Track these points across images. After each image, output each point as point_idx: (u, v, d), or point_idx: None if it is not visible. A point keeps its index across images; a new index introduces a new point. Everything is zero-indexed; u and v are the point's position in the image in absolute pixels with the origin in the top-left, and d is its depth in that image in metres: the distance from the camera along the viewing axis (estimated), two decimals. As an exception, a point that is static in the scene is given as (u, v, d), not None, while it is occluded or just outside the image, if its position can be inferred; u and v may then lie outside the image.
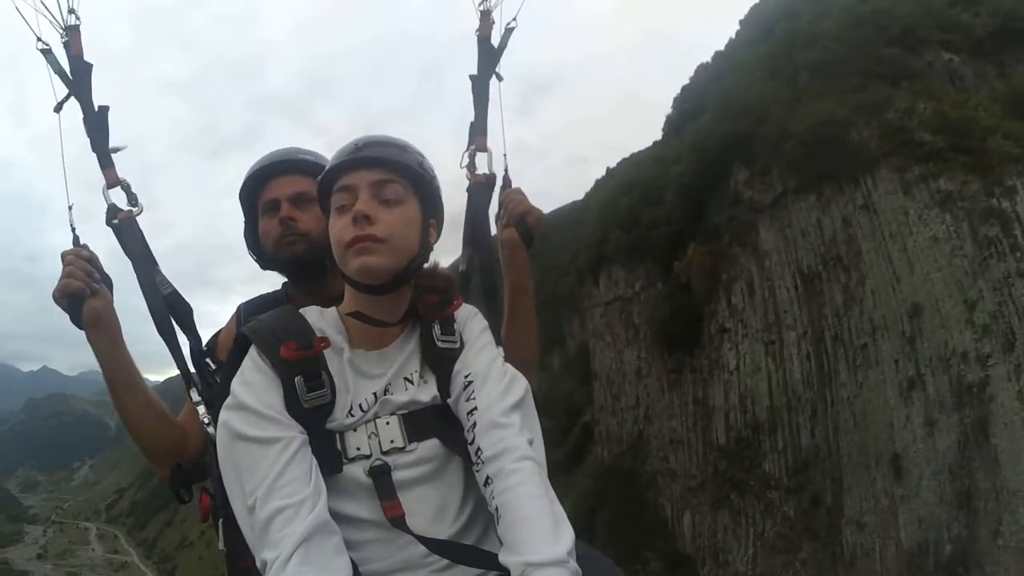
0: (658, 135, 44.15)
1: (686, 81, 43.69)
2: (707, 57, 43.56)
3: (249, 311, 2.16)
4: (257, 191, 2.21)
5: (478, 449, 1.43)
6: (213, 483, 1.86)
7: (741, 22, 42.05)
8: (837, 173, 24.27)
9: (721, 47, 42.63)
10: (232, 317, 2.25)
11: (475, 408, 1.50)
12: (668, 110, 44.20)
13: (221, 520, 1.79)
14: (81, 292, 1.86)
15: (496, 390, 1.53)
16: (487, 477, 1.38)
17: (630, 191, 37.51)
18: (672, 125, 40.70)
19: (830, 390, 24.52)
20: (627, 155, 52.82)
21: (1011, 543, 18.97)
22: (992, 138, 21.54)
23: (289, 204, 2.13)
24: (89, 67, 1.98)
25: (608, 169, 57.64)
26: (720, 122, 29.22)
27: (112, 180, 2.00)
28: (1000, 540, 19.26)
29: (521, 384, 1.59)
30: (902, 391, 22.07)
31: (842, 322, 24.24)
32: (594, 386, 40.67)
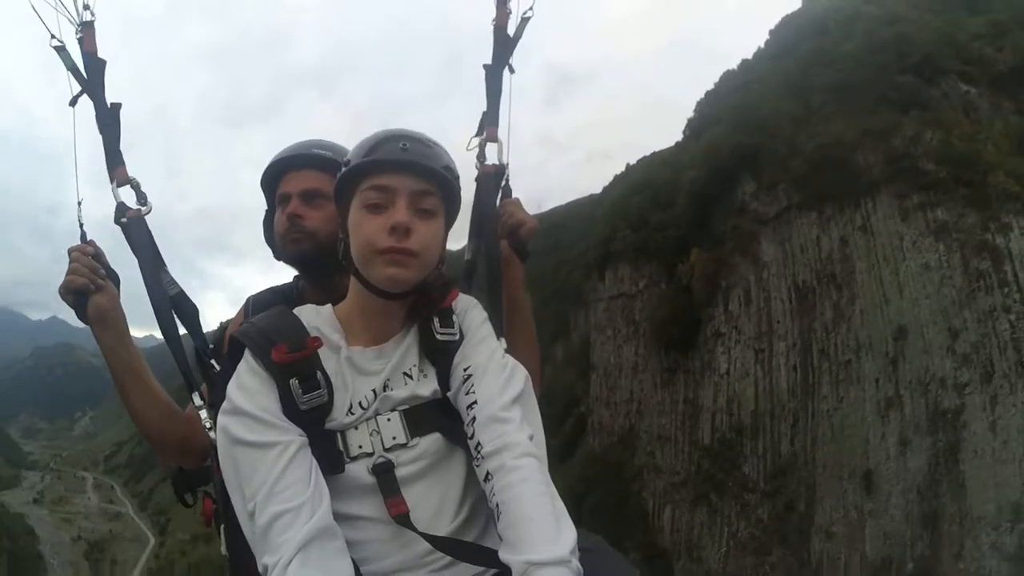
0: (680, 136, 44.40)
1: (711, 86, 44.09)
2: (734, 64, 43.83)
3: (257, 305, 2.15)
4: (275, 183, 2.18)
5: (478, 444, 1.42)
6: (215, 487, 1.81)
7: (771, 32, 42.15)
8: (839, 193, 24.73)
9: (749, 55, 42.95)
10: (240, 311, 2.23)
11: (475, 402, 1.48)
12: (692, 113, 44.47)
13: (223, 525, 1.75)
14: (86, 288, 1.84)
15: (496, 383, 1.51)
16: (487, 473, 1.36)
17: (642, 191, 37.91)
18: (693, 128, 40.94)
19: (812, 401, 25.10)
20: (648, 153, 52.63)
21: (971, 568, 19.61)
22: (994, 173, 21.87)
23: (299, 200, 2.09)
24: (102, 64, 1.97)
25: (628, 165, 57.24)
26: (734, 133, 29.63)
27: (122, 178, 1.95)
28: (961, 564, 19.90)
29: (521, 377, 1.56)
30: (880, 409, 22.67)
31: (830, 337, 24.76)
32: (591, 377, 41.16)
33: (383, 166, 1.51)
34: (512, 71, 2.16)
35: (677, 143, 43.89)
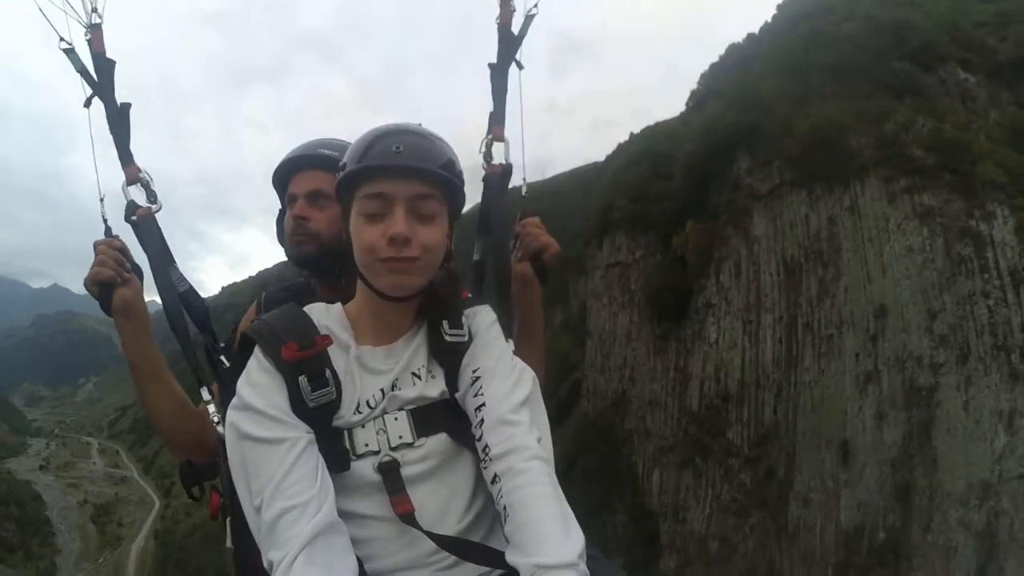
0: (685, 107, 44.28)
1: (716, 59, 44.02)
2: (741, 36, 43.75)
3: (270, 302, 2.17)
4: (285, 183, 2.20)
5: (486, 446, 1.41)
6: (222, 482, 1.83)
7: (779, 7, 41.89)
8: (829, 174, 25.07)
9: (756, 30, 42.70)
10: (252, 307, 2.24)
11: (483, 404, 1.48)
12: (696, 85, 44.39)
13: (229, 518, 1.77)
14: (112, 280, 1.86)
15: (504, 386, 1.50)
16: (495, 475, 1.36)
17: (643, 161, 38.11)
18: (697, 100, 40.87)
19: (795, 373, 25.69)
20: (652, 123, 52.72)
21: (939, 541, 20.42)
22: (982, 163, 22.27)
23: (305, 202, 2.10)
24: (112, 64, 1.97)
25: (632, 135, 57.06)
26: (732, 109, 29.87)
27: (132, 177, 1.97)
28: (929, 536, 20.70)
29: (529, 379, 1.56)
30: (859, 383, 23.32)
31: (814, 312, 25.29)
32: (587, 343, 41.57)
33: (377, 172, 1.47)
34: (521, 67, 2.13)
35: (681, 114, 43.82)
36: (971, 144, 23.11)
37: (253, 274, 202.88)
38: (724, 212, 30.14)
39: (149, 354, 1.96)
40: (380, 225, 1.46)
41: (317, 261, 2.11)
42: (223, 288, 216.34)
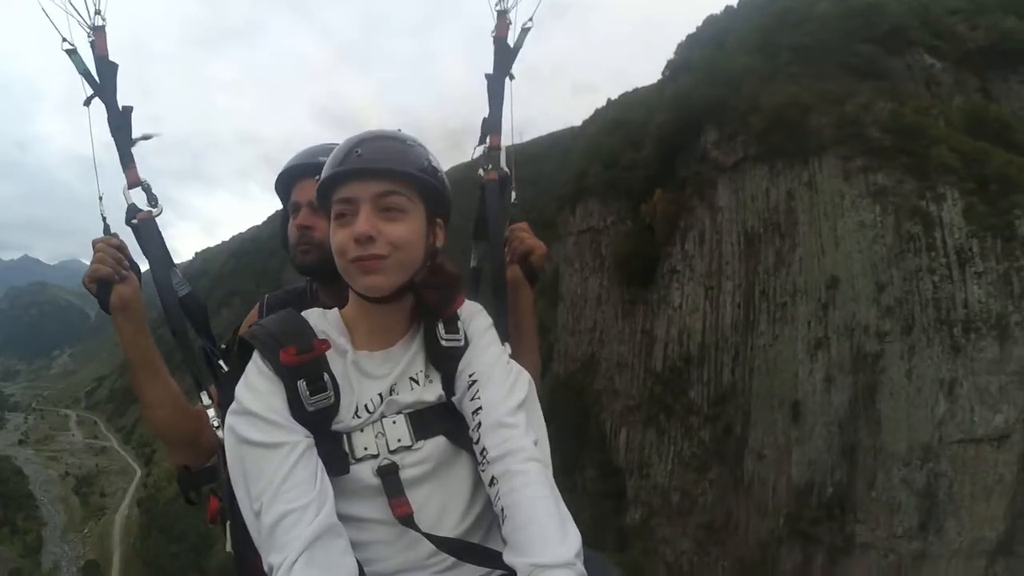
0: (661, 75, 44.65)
1: (693, 30, 44.36)
2: (720, 7, 44.15)
3: (272, 305, 2.18)
4: (288, 190, 2.18)
5: (483, 449, 1.40)
6: (222, 486, 1.78)
7: (760, -19, 42.26)
8: (790, 150, 26.08)
9: (734, 2, 43.29)
10: (254, 310, 2.24)
11: (480, 407, 1.46)
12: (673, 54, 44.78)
13: (229, 522, 1.75)
14: (110, 278, 1.85)
15: (501, 389, 1.49)
16: (492, 477, 1.36)
17: (617, 130, 38.77)
18: (673, 70, 41.37)
19: (751, 337, 27.01)
20: (630, 89, 52.92)
21: (882, 497, 22.00)
22: (937, 147, 23.32)
23: (308, 210, 2.09)
24: (114, 67, 1.96)
25: (609, 100, 57.09)
26: (703, 84, 30.68)
27: (133, 180, 1.95)
28: (873, 493, 22.26)
29: (525, 382, 1.55)
30: (809, 348, 24.66)
31: (771, 280, 26.55)
32: (559, 306, 42.39)
33: (341, 177, 1.46)
34: (512, 78, 2.13)
35: (657, 83, 44.51)
36: (929, 128, 24.05)
37: (227, 239, 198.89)
38: (691, 183, 31.12)
39: (146, 351, 1.94)
40: (348, 228, 1.44)
41: (321, 269, 2.04)
42: (196, 254, 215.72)
